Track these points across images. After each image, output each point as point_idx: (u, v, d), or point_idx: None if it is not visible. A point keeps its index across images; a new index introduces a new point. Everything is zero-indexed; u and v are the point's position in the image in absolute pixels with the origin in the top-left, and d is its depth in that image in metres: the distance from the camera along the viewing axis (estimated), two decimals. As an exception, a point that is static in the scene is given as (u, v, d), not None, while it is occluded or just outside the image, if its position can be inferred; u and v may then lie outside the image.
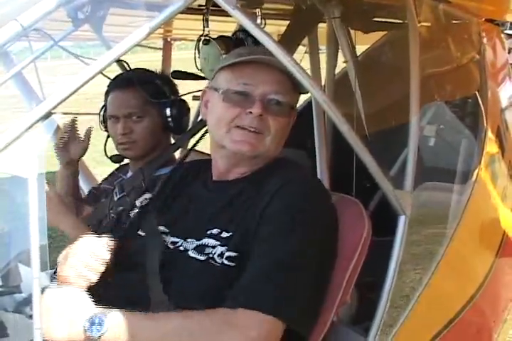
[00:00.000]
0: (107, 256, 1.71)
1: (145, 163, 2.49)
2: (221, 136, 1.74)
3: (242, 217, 1.67)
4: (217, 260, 1.63)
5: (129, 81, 2.43)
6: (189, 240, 1.71)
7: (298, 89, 1.74)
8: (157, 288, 1.64)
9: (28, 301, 1.89)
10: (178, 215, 1.83)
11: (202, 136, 2.27)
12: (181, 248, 1.72)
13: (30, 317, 1.86)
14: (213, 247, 1.65)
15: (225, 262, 1.61)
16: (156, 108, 2.43)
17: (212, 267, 1.63)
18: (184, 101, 2.52)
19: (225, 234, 1.66)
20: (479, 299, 2.63)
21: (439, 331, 2.24)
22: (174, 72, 2.61)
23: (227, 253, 1.61)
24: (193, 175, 1.93)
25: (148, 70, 2.57)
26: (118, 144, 2.49)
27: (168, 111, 2.43)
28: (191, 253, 1.68)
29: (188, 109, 2.54)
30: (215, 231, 1.68)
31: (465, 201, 2.68)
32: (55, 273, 2.23)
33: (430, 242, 2.49)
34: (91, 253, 1.68)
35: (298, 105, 3.63)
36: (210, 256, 1.64)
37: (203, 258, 1.65)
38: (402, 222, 1.91)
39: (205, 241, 1.67)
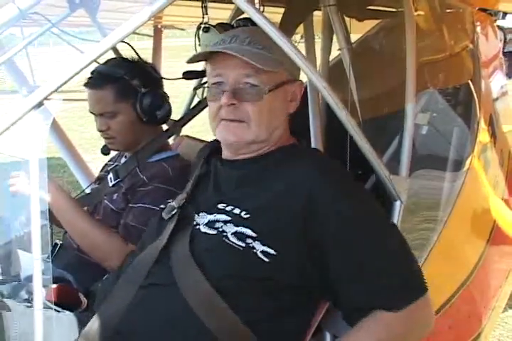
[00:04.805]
0: None
1: (139, 148, 2.49)
2: (214, 131, 1.79)
3: (258, 199, 1.67)
4: (233, 239, 1.62)
5: (98, 80, 2.41)
6: (201, 214, 1.73)
7: (267, 67, 1.69)
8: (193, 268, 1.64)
9: (23, 285, 1.89)
10: (198, 192, 1.86)
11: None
12: (193, 222, 1.73)
13: (25, 300, 1.87)
14: (224, 222, 1.65)
15: (259, 255, 1.59)
16: (129, 103, 2.40)
17: (228, 245, 1.62)
18: (158, 91, 2.49)
19: (237, 211, 1.66)
20: (470, 285, 2.66)
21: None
22: (185, 72, 2.59)
23: (263, 248, 1.60)
24: (212, 154, 1.94)
25: (124, 61, 2.53)
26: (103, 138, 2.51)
27: (141, 105, 2.41)
28: (202, 228, 1.69)
29: (164, 98, 2.50)
30: (228, 208, 1.68)
31: (457, 189, 2.71)
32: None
33: (422, 229, 2.51)
34: None
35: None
36: (220, 230, 1.64)
37: (213, 232, 1.66)
38: (397, 207, 1.93)
39: (217, 216, 1.68)
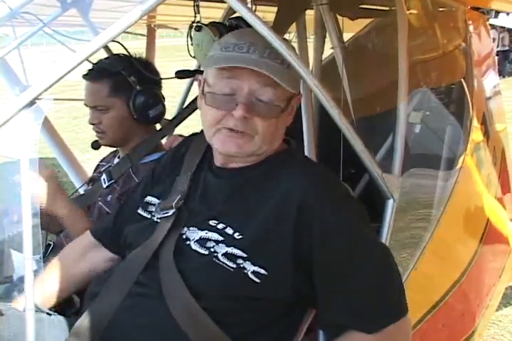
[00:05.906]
0: None
1: (131, 149, 2.48)
2: (210, 137, 1.71)
3: (250, 217, 1.63)
4: (224, 260, 1.58)
5: (95, 73, 2.42)
6: (192, 229, 1.68)
7: (286, 84, 1.62)
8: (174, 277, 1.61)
9: (15, 285, 1.89)
10: (190, 194, 1.77)
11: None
12: (183, 236, 1.68)
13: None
14: (216, 242, 1.61)
15: (250, 276, 1.56)
16: (122, 99, 2.40)
17: (218, 266, 1.58)
18: (153, 90, 2.47)
19: (229, 230, 1.62)
20: (463, 284, 2.66)
21: (424, 314, 2.28)
22: (178, 72, 2.58)
23: (253, 268, 1.56)
24: (198, 152, 1.87)
25: (124, 57, 2.52)
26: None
27: (134, 102, 2.40)
28: (193, 245, 1.64)
29: (159, 98, 2.49)
30: (220, 226, 1.64)
31: (450, 188, 2.71)
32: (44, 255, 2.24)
33: (415, 228, 2.51)
34: None
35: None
36: (212, 250, 1.61)
37: (205, 252, 1.62)
38: (389, 206, 1.93)
39: (209, 234, 1.64)
